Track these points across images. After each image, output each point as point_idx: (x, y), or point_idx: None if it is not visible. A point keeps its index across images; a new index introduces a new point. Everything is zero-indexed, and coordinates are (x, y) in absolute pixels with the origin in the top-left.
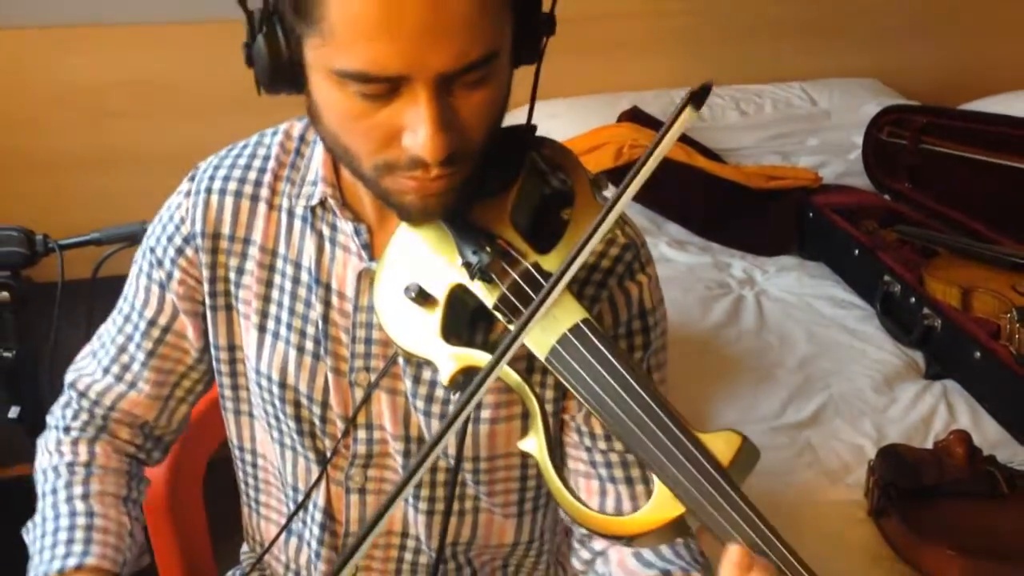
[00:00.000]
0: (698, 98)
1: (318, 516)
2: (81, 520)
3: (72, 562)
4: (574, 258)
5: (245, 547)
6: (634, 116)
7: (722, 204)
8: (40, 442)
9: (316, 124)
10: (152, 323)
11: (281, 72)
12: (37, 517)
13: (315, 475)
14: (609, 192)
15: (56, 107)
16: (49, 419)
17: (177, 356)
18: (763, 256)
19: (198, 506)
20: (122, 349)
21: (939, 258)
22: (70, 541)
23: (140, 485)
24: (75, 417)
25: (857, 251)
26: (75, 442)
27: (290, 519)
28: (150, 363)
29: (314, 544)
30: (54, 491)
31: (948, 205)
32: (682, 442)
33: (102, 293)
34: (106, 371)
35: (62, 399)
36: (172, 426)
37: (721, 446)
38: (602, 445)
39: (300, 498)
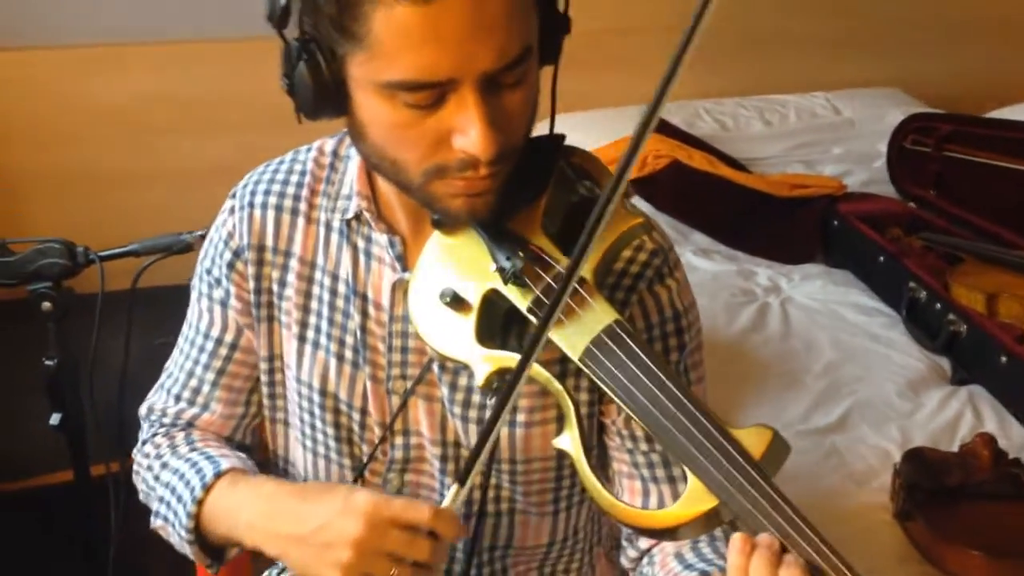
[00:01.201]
0: None
1: None
2: (198, 456)
3: (210, 474)
4: (591, 234)
5: None
6: (659, 126)
7: (747, 213)
8: (135, 469)
9: (360, 142)
10: (219, 342)
11: (325, 96)
12: (160, 493)
13: (349, 481)
14: (636, 201)
15: (96, 124)
16: (135, 452)
17: (247, 373)
18: (788, 264)
19: None
20: (191, 374)
21: (964, 264)
22: (199, 470)
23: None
24: (161, 426)
25: (882, 258)
26: (167, 434)
27: None
28: (220, 383)
29: None
30: (164, 464)
31: (972, 212)
32: (713, 435)
33: (141, 303)
34: (177, 398)
35: (143, 429)
36: (248, 439)
37: (753, 440)
38: (643, 447)
39: None
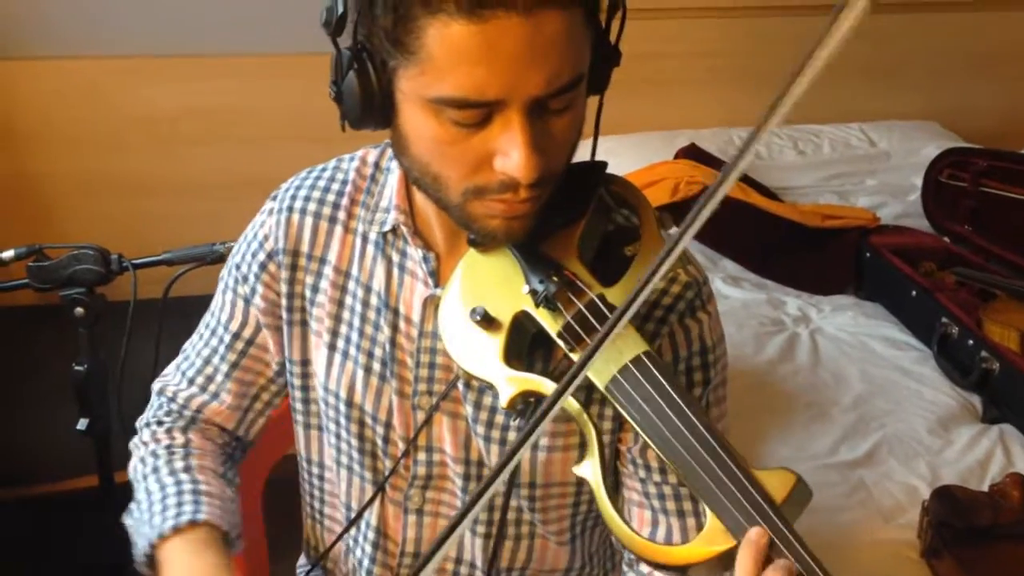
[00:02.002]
0: None
1: (371, 535)
2: (187, 486)
3: (185, 519)
4: (643, 287)
5: (302, 559)
6: (692, 153)
7: (778, 242)
8: (133, 442)
9: (402, 155)
10: (236, 336)
11: (371, 106)
12: (139, 496)
13: (369, 495)
14: (673, 231)
15: (134, 133)
16: (139, 423)
17: (258, 369)
18: (818, 295)
19: (257, 517)
20: (207, 361)
21: (998, 301)
22: (180, 504)
23: (233, 469)
24: (167, 414)
25: (914, 292)
26: (169, 431)
27: (340, 536)
28: (233, 375)
29: (366, 562)
30: (155, 469)
31: (1008, 248)
32: (736, 476)
33: (172, 311)
34: (191, 382)
35: (152, 404)
36: (249, 436)
37: (775, 483)
38: (656, 477)
39: (353, 515)
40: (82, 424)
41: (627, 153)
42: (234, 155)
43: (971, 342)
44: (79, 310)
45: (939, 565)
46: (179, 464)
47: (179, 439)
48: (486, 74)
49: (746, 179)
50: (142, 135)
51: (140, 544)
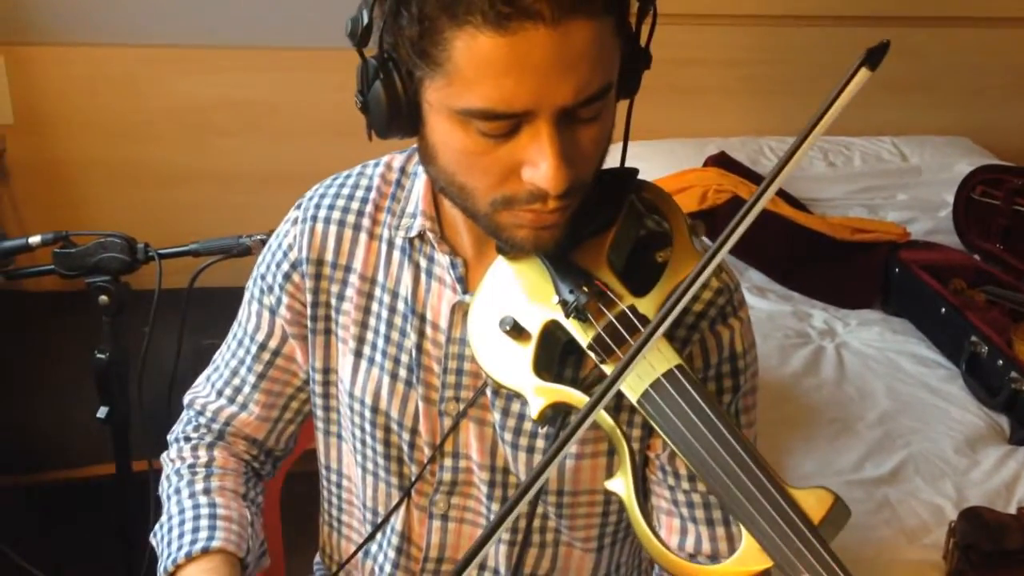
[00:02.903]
0: (875, 57)
1: (395, 540)
2: (204, 511)
3: (199, 546)
4: (675, 304)
5: (318, 557)
6: (721, 161)
7: (806, 253)
8: (163, 456)
9: (429, 164)
10: (263, 347)
11: (398, 117)
12: (163, 518)
13: (395, 500)
14: (706, 239)
15: (166, 122)
16: (170, 437)
17: (286, 379)
18: (845, 308)
19: (274, 516)
20: (234, 372)
21: None
22: (195, 529)
23: (258, 487)
24: (195, 429)
25: (944, 309)
26: (195, 448)
27: (367, 540)
28: (261, 386)
29: (388, 567)
30: (177, 491)
31: None
32: (773, 496)
33: (196, 302)
34: (220, 393)
35: (182, 418)
36: (280, 445)
37: (813, 503)
38: (685, 485)
39: (378, 521)
40: (102, 412)
41: (656, 159)
42: (264, 148)
43: (1000, 362)
44: (103, 298)
45: None
46: (199, 486)
47: (203, 457)
48: (514, 85)
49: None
50: (173, 125)
51: (160, 568)
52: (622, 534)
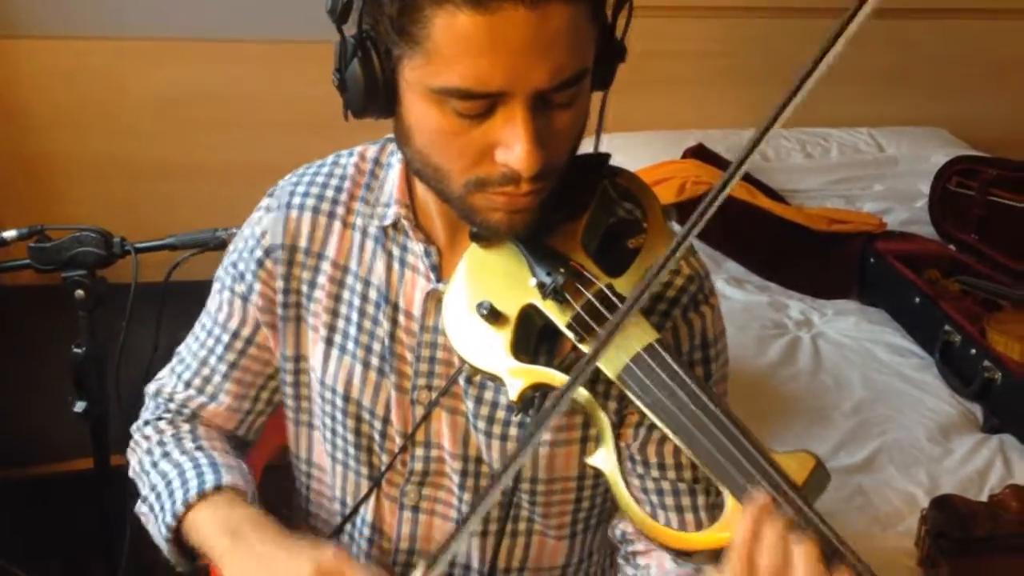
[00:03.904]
0: None
1: (366, 531)
2: (204, 459)
3: (210, 485)
4: (656, 274)
5: None
6: (699, 153)
7: (783, 244)
8: (130, 446)
9: (404, 146)
10: (235, 335)
11: (375, 95)
12: (151, 483)
13: (364, 490)
14: (676, 225)
15: (147, 115)
16: (133, 428)
17: (258, 368)
18: (822, 299)
19: None
20: (203, 363)
21: (1002, 311)
22: (201, 474)
23: (240, 452)
24: (166, 411)
25: (918, 299)
26: (172, 422)
27: (336, 532)
28: (232, 375)
29: (361, 559)
30: (166, 454)
31: (1014, 258)
32: (756, 459)
33: (172, 296)
34: (188, 384)
35: (147, 407)
36: (249, 436)
37: (795, 466)
38: (655, 473)
39: (347, 511)
40: (79, 407)
41: (635, 151)
42: (240, 141)
43: (973, 351)
44: (80, 292)
45: (935, 574)
46: (189, 444)
47: (184, 427)
48: (490, 65)
49: (752, 181)
50: (148, 118)
51: (162, 520)
52: (594, 520)
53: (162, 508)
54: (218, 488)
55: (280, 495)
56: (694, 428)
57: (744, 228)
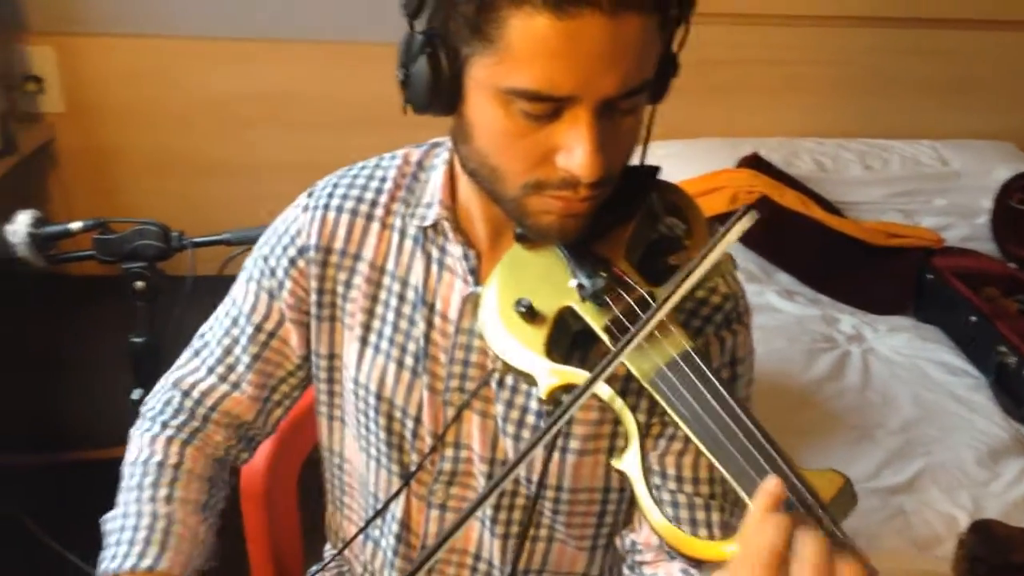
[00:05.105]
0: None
1: (395, 527)
2: (161, 524)
3: (146, 564)
4: (690, 273)
5: (328, 546)
6: (754, 163)
7: (837, 257)
8: (134, 432)
9: (464, 144)
10: (259, 328)
11: (439, 92)
12: (118, 509)
13: (395, 487)
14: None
15: (200, 113)
16: (144, 409)
17: (278, 361)
18: (875, 314)
19: (291, 503)
20: (228, 351)
21: None
22: (147, 543)
23: (220, 493)
24: (175, 415)
25: (974, 318)
26: (169, 441)
27: (366, 525)
28: (255, 366)
29: (389, 553)
30: (140, 487)
31: None
32: (784, 472)
33: (224, 289)
34: (211, 370)
35: (163, 395)
36: (267, 428)
37: (823, 484)
38: (672, 485)
39: (379, 507)
40: (136, 394)
41: (688, 158)
42: (293, 140)
43: None
44: (139, 284)
45: None
46: (162, 492)
47: (173, 458)
48: (564, 69)
49: (807, 191)
50: (208, 115)
51: (103, 564)
52: (608, 529)
53: (106, 546)
54: (151, 570)
55: (318, 492)
56: (723, 436)
57: (797, 239)
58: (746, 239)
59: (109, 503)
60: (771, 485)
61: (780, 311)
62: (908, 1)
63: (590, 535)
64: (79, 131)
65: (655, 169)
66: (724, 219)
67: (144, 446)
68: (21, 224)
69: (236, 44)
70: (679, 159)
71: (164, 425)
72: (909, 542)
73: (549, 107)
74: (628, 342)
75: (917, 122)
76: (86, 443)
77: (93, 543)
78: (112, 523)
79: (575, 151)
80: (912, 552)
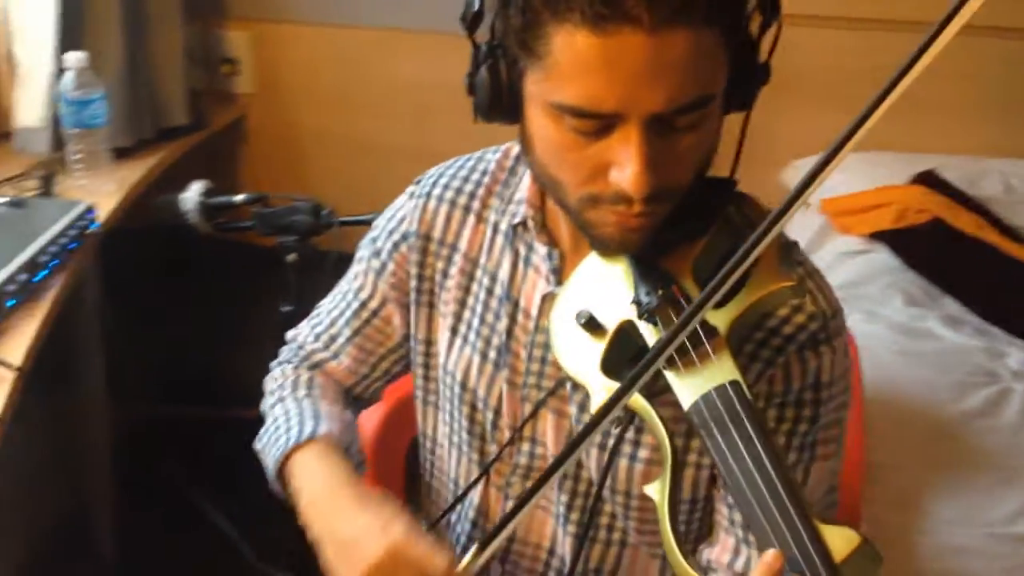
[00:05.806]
0: None
1: (471, 514)
2: (308, 409)
3: (307, 433)
4: (718, 283)
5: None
6: (929, 180)
7: (1013, 287)
8: (265, 381)
9: (527, 154)
10: (363, 305)
11: (500, 102)
12: (267, 424)
13: (475, 475)
14: (887, 255)
15: (382, 100)
16: (272, 364)
17: (379, 339)
18: None
19: (398, 483)
20: (333, 322)
21: None
22: (302, 422)
23: (354, 406)
24: (294, 357)
25: None
26: (296, 368)
27: (447, 512)
28: (354, 340)
29: (463, 539)
30: (281, 399)
31: None
32: (795, 526)
33: None
34: (317, 337)
35: (284, 350)
36: (367, 396)
37: (838, 542)
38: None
39: (459, 492)
40: None
41: (859, 171)
42: (466, 128)
43: None
44: (292, 256)
45: None
46: (302, 392)
47: (304, 376)
48: (604, 87)
49: (984, 213)
50: (384, 102)
51: (270, 463)
52: (690, 546)
53: (270, 453)
54: (312, 437)
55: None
56: (742, 478)
57: (968, 264)
58: (913, 258)
59: (246, 458)
60: (770, 558)
61: (940, 339)
62: None
63: (660, 543)
64: (267, 111)
65: (732, 182)
66: (887, 236)
67: (276, 379)
68: (194, 192)
69: (414, 35)
70: (847, 172)
71: (288, 362)
72: None
73: (596, 123)
74: (656, 354)
75: None
76: (234, 402)
77: (225, 494)
78: (263, 437)
79: (625, 168)
80: None
